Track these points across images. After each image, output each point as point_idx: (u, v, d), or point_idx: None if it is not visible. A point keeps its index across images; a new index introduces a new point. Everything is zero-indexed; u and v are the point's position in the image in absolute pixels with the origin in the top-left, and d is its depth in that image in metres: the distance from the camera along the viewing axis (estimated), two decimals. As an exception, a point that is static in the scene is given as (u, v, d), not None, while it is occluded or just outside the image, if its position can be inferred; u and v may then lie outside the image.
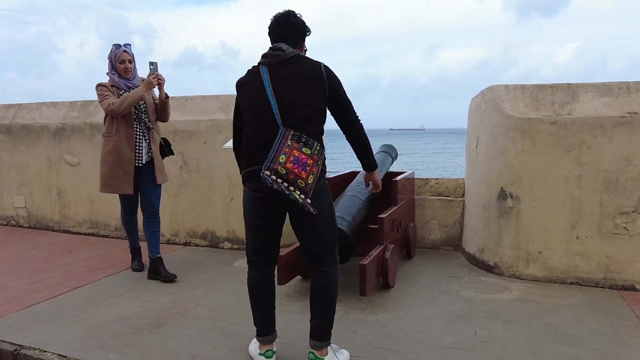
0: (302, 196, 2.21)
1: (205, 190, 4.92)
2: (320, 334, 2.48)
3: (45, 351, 2.74)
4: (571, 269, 3.69)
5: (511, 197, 3.81)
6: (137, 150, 3.84)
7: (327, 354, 2.48)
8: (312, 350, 2.49)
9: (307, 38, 2.55)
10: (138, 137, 3.84)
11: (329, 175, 4.40)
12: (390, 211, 3.69)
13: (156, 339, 2.87)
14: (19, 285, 3.86)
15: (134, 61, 3.86)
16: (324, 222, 2.43)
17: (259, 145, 2.32)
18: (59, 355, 2.70)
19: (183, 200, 5.01)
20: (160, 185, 4.01)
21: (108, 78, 3.85)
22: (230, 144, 4.10)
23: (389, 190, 3.96)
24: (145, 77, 3.76)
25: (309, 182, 2.22)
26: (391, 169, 4.68)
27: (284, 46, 2.37)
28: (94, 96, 3.92)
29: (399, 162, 5.12)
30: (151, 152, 3.90)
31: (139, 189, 3.94)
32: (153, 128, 3.91)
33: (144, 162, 3.88)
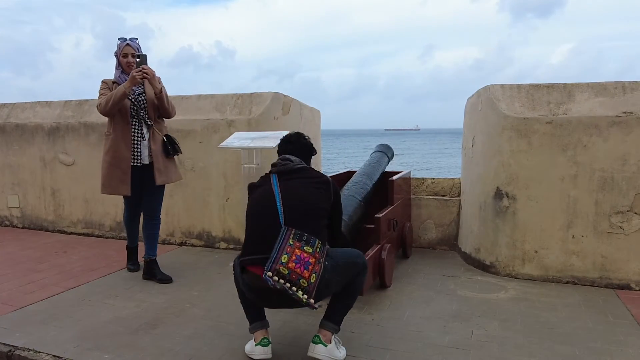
0: (305, 296, 2.23)
1: (200, 190, 4.90)
2: (335, 316, 2.54)
3: (39, 352, 2.72)
4: (567, 268, 3.70)
5: (507, 196, 3.82)
6: (134, 149, 3.68)
7: (330, 342, 2.51)
8: (318, 334, 2.52)
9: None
10: (136, 135, 3.68)
11: (325, 174, 4.39)
12: (387, 211, 3.69)
13: (152, 340, 2.85)
14: (13, 285, 3.82)
15: None
16: (334, 285, 2.49)
17: (259, 236, 2.39)
18: (53, 356, 2.68)
19: (179, 200, 4.99)
20: (162, 187, 3.88)
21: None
22: (226, 143, 4.10)
23: (385, 190, 3.97)
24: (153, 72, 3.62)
25: (312, 281, 2.25)
26: (387, 169, 4.68)
27: (292, 157, 2.61)
28: (88, 95, 3.87)
29: (395, 162, 5.13)
30: (152, 152, 3.72)
31: (142, 190, 3.80)
32: (153, 126, 3.72)
33: (145, 161, 3.72)
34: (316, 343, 2.50)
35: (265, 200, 2.46)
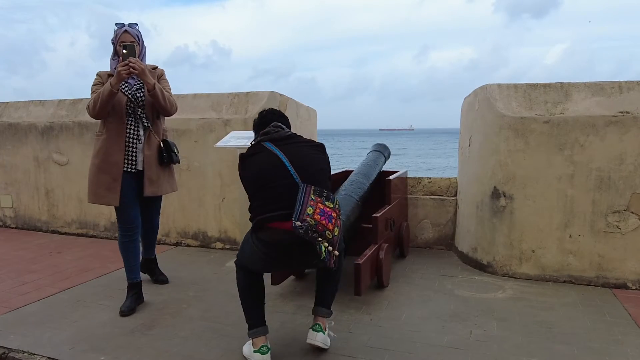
0: (330, 248, 2.28)
1: (196, 190, 4.87)
2: (328, 300, 2.66)
3: (34, 354, 2.69)
4: (564, 268, 3.70)
5: (504, 196, 3.81)
6: (128, 153, 3.21)
7: (326, 329, 2.64)
8: (318, 323, 2.62)
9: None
10: (131, 137, 3.21)
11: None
12: (384, 210, 3.68)
13: (148, 341, 2.83)
14: (7, 286, 3.78)
15: (139, 44, 3.20)
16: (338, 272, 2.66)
17: (275, 196, 2.38)
18: (48, 358, 2.65)
19: (174, 200, 4.95)
20: (159, 196, 3.49)
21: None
22: (222, 142, 4.07)
23: (382, 190, 3.96)
24: (154, 65, 3.39)
25: (335, 234, 2.30)
26: (384, 168, 4.67)
27: (282, 125, 2.60)
28: (83, 95, 3.79)
29: (390, 162, 5.12)
30: (145, 157, 3.26)
31: (141, 200, 3.36)
32: (150, 127, 3.26)
33: (140, 167, 3.26)
34: (317, 331, 2.58)
35: (272, 163, 2.42)
